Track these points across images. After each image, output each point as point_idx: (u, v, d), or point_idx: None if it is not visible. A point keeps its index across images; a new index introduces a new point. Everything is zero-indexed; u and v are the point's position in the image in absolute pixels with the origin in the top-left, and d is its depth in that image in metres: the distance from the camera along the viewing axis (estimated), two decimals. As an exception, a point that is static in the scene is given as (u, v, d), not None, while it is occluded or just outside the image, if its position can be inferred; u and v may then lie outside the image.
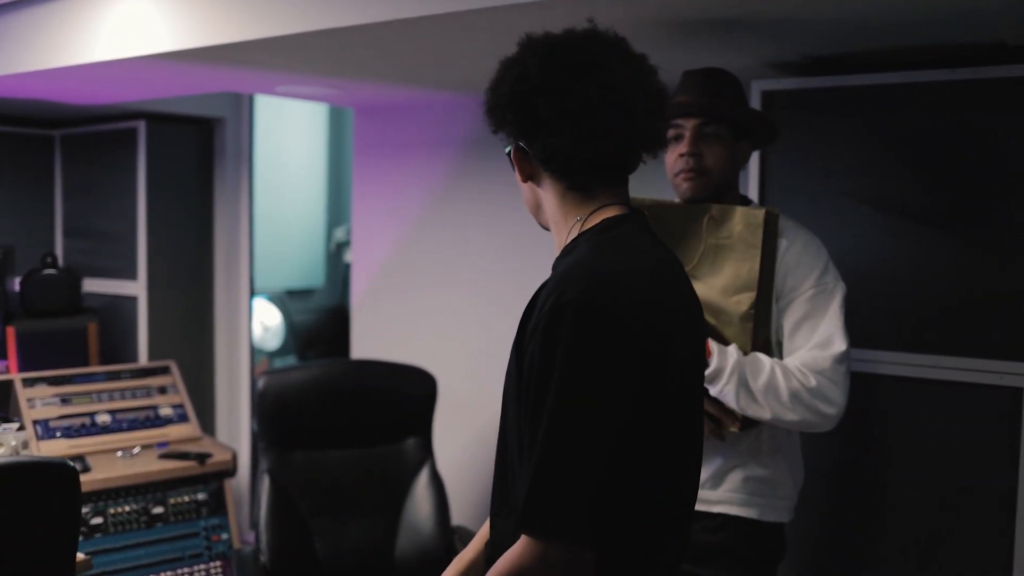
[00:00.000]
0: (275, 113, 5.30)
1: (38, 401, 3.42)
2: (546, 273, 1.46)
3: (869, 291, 2.52)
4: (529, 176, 1.50)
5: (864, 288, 2.52)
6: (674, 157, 2.08)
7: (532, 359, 1.32)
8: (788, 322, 2.05)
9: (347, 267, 5.72)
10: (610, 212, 1.46)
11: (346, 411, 2.95)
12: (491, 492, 1.52)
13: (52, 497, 1.95)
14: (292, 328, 5.49)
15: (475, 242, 3.62)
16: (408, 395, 3.05)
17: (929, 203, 2.48)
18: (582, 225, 1.45)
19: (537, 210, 1.55)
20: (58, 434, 3.34)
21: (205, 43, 2.48)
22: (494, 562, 1.34)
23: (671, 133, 2.07)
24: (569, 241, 1.47)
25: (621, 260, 1.38)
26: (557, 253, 1.50)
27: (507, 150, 1.51)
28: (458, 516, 3.37)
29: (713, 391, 1.96)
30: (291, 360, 5.42)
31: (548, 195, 1.50)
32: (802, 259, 2.07)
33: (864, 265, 2.56)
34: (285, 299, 5.53)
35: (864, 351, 2.49)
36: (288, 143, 5.58)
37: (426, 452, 3.02)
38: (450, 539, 2.95)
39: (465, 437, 3.59)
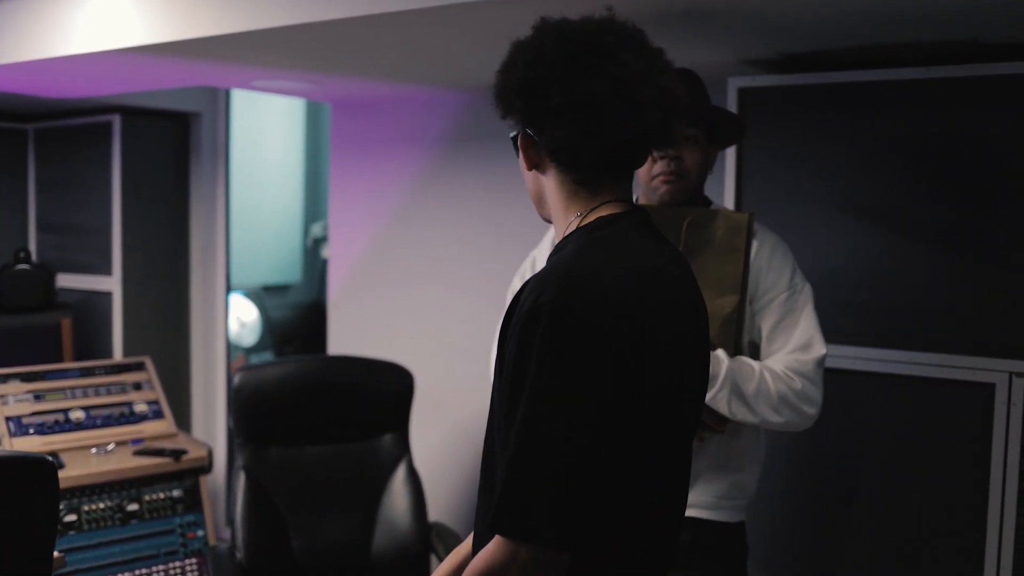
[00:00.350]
0: (252, 107, 5.27)
1: (11, 397, 3.38)
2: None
3: (843, 286, 2.54)
4: (535, 165, 1.48)
5: (838, 283, 2.54)
6: (650, 160, 2.05)
7: (509, 359, 1.32)
8: (766, 325, 2.06)
9: (324, 263, 5.70)
10: (608, 210, 1.44)
11: (322, 407, 2.94)
12: (477, 492, 1.52)
13: (30, 492, 1.93)
14: (268, 324, 5.47)
15: (452, 238, 3.62)
16: (385, 391, 3.04)
17: (903, 200, 2.50)
18: (580, 221, 1.44)
19: (540, 200, 1.52)
20: (31, 431, 3.31)
21: (181, 36, 2.46)
22: None
23: None
24: (563, 237, 1.46)
25: (603, 261, 1.35)
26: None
27: (513, 135, 1.49)
28: (435, 512, 3.37)
29: (706, 398, 1.96)
30: (267, 356, 5.40)
31: (552, 186, 1.47)
32: (772, 261, 2.09)
33: (838, 260, 2.57)
34: (262, 295, 5.50)
35: (837, 347, 2.51)
36: (265, 138, 5.55)
37: (403, 448, 3.01)
38: (427, 535, 2.95)
39: (442, 433, 3.59)
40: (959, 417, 2.42)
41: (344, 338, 3.93)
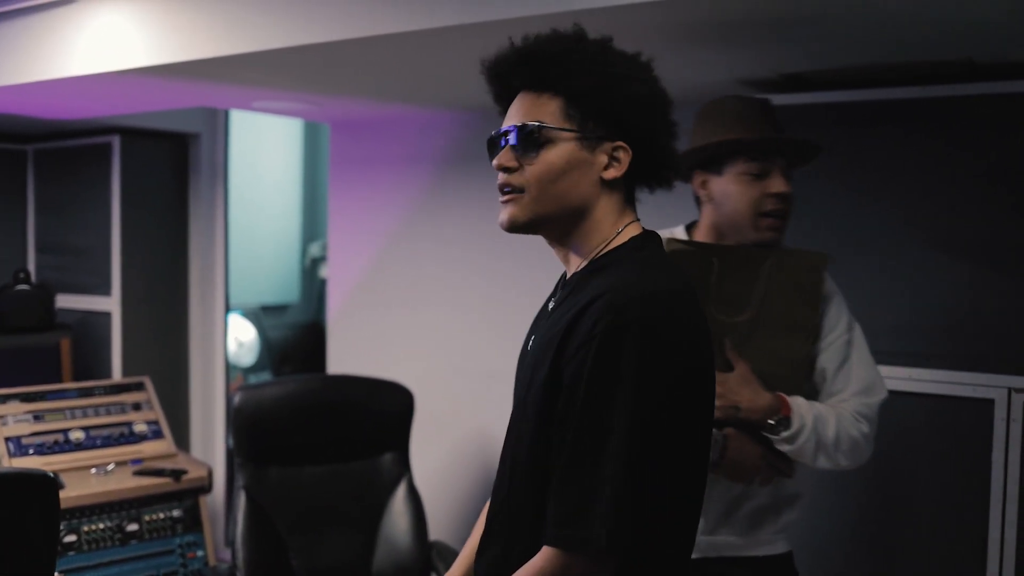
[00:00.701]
0: (250, 128, 5.29)
1: (10, 418, 3.38)
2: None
3: (850, 307, 2.55)
4: (604, 172, 1.43)
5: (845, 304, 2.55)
6: (757, 194, 1.91)
7: (581, 378, 1.31)
8: (829, 366, 1.99)
9: (322, 283, 5.71)
10: (637, 229, 1.48)
11: (323, 427, 2.94)
12: (490, 512, 1.52)
13: (31, 509, 1.93)
14: (267, 344, 5.47)
15: (452, 257, 3.63)
16: (385, 410, 3.04)
17: (903, 216, 2.51)
18: (616, 239, 1.45)
19: (571, 211, 1.44)
20: (31, 451, 3.31)
21: (181, 58, 2.48)
22: None
23: (753, 169, 1.91)
24: (601, 254, 1.45)
25: (665, 280, 1.39)
26: (569, 256, 1.50)
27: (528, 127, 1.42)
28: (435, 531, 3.37)
29: (789, 448, 1.89)
30: (266, 376, 5.39)
31: (604, 201, 1.45)
32: (832, 300, 2.03)
33: (840, 279, 2.58)
34: (260, 315, 5.51)
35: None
36: (263, 158, 5.57)
37: (403, 467, 3.01)
38: (427, 554, 2.95)
39: (443, 452, 3.59)
40: (959, 433, 2.42)
41: (344, 357, 3.93)
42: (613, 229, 1.46)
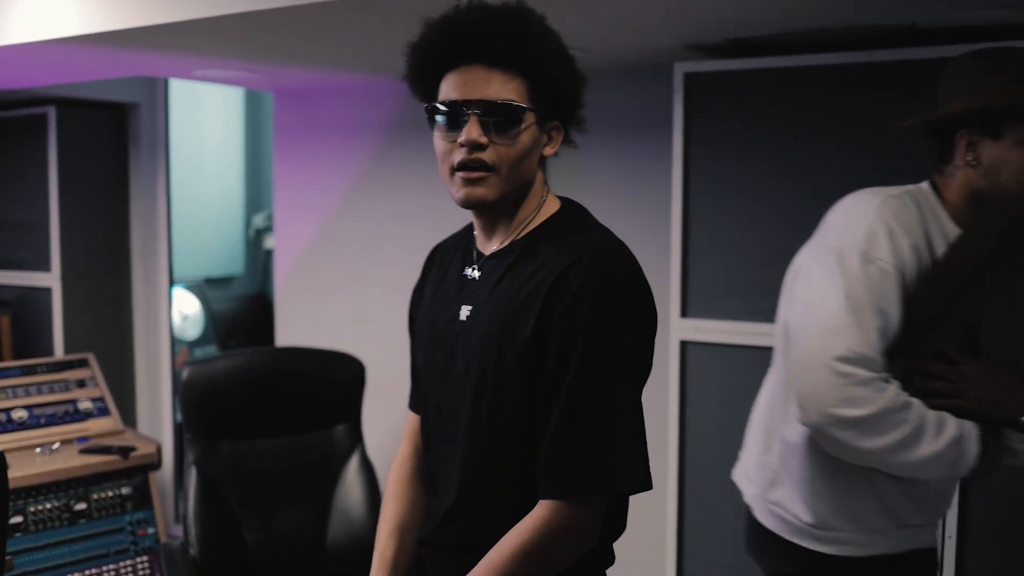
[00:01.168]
0: (191, 98, 5.19)
1: (-51, 398, 3.30)
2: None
3: (784, 270, 2.58)
4: (544, 149, 1.50)
5: (780, 267, 2.58)
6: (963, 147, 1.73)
7: (576, 337, 1.37)
8: None
9: (267, 254, 5.64)
10: (554, 197, 1.56)
11: (273, 399, 2.91)
12: (446, 485, 1.52)
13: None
14: (212, 317, 5.40)
15: (399, 225, 3.60)
16: (336, 381, 3.02)
17: (844, 182, 2.54)
18: (546, 206, 1.52)
19: (522, 182, 1.48)
20: (-28, 432, 3.24)
21: (118, 26, 2.42)
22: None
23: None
24: (538, 222, 1.50)
25: (620, 242, 1.48)
26: (497, 227, 1.52)
27: (540, 123, 1.46)
28: (389, 501, 3.37)
29: None
30: (211, 350, 5.33)
31: (538, 174, 1.51)
32: None
33: (783, 242, 2.62)
34: (204, 287, 5.43)
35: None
36: (204, 128, 5.47)
37: (356, 439, 3.00)
38: (382, 525, 2.94)
39: (395, 423, 3.58)
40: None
41: (292, 329, 3.90)
42: (540, 198, 1.52)
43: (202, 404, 2.83)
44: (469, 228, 1.63)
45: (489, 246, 1.54)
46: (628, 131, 3.14)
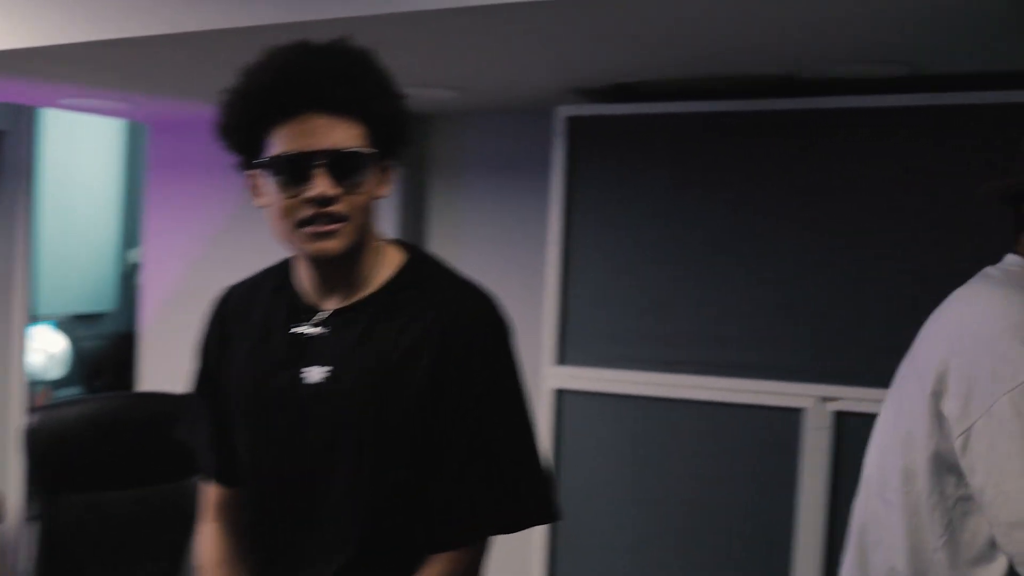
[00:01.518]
0: (67, 127, 4.97)
1: None
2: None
3: (664, 317, 2.58)
4: (379, 190, 1.42)
5: (659, 314, 2.58)
6: None
7: (473, 382, 1.38)
8: None
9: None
10: (392, 242, 1.51)
11: (127, 448, 2.75)
12: (349, 549, 1.40)
13: None
14: (79, 355, 5.14)
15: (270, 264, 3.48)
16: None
17: (720, 229, 2.56)
18: (390, 254, 1.48)
19: (368, 222, 1.41)
20: None
21: (-28, 50, 2.28)
22: None
23: None
24: (398, 267, 1.45)
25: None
26: (339, 279, 1.44)
27: (378, 164, 1.40)
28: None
29: None
30: (76, 391, 5.07)
31: (374, 217, 1.43)
32: None
33: (657, 290, 2.61)
34: (73, 324, 5.18)
35: (653, 374, 2.56)
36: (80, 159, 5.25)
37: (217, 488, 2.86)
38: (243, 580, 2.80)
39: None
40: (769, 442, 2.48)
41: (157, 371, 3.72)
42: (377, 244, 1.45)
43: (49, 453, 2.66)
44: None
45: (328, 301, 1.45)
46: (507, 173, 3.11)
